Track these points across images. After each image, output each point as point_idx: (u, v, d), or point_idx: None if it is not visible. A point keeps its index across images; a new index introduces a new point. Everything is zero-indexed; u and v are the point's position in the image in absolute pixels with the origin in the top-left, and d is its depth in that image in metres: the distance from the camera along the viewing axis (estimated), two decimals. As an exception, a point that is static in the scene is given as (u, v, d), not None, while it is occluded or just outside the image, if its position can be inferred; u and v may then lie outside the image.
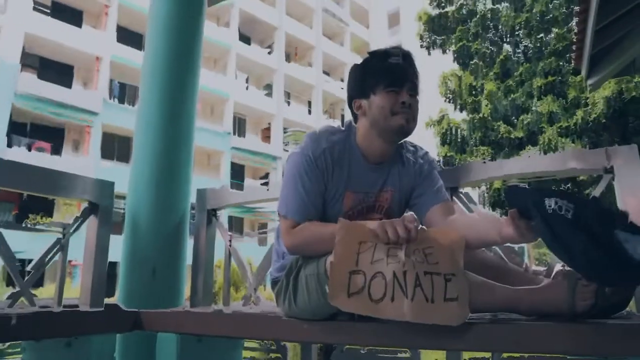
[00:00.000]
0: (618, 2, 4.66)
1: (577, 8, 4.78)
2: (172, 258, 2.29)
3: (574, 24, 5.26)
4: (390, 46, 1.46)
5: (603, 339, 1.00)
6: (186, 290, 2.38)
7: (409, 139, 1.50)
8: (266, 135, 27.32)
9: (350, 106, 1.50)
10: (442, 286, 1.14)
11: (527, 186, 1.18)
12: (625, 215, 1.01)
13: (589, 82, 5.85)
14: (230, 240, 2.41)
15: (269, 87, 27.82)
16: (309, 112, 29.75)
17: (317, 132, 1.48)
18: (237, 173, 25.23)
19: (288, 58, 29.47)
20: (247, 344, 2.14)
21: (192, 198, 2.46)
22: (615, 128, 7.95)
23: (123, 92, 20.67)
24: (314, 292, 1.32)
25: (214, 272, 2.49)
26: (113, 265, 3.00)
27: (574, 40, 5.37)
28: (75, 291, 3.06)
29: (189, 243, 2.39)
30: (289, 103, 28.96)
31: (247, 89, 26.26)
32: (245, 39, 27.11)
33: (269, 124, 27.29)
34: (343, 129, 1.50)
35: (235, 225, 24.83)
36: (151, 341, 1.60)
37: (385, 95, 1.38)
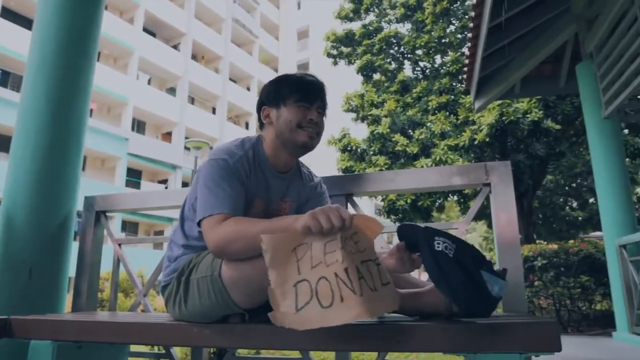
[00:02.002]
0: (503, 33, 5.18)
1: (469, 35, 5.21)
2: (52, 261, 2.11)
3: (466, 49, 5.72)
4: (307, 73, 1.51)
5: (473, 336, 1.08)
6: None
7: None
8: (166, 140, 26.10)
9: (258, 112, 1.51)
10: (377, 272, 1.13)
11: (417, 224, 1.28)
12: (488, 260, 1.19)
13: (477, 103, 6.40)
14: (120, 245, 2.28)
15: (172, 91, 26.61)
16: (214, 120, 28.83)
17: (228, 143, 1.47)
18: (135, 174, 23.87)
19: (195, 58, 28.48)
20: (134, 349, 2.03)
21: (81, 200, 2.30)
22: (497, 146, 8.74)
23: (5, 81, 18.64)
24: (206, 294, 1.29)
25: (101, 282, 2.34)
26: None
27: (466, 63, 5.85)
28: None
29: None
30: (192, 105, 27.93)
31: (148, 91, 24.78)
32: (149, 32, 25.72)
33: (171, 132, 26.13)
34: (250, 139, 1.51)
35: (130, 230, 23.48)
36: (23, 350, 1.45)
37: (295, 109, 1.42)
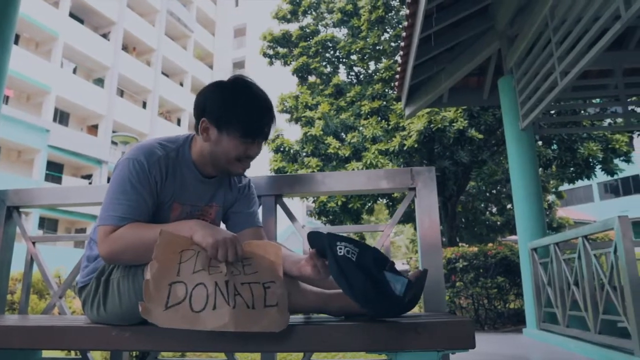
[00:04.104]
0: (433, 45, 5.40)
1: (402, 44, 5.39)
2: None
3: (398, 57, 5.92)
4: (262, 96, 1.37)
5: (394, 335, 1.12)
6: None
7: None
8: (92, 133, 24.76)
9: (197, 119, 1.38)
10: (261, 294, 1.16)
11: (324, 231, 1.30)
12: (390, 260, 1.23)
13: (407, 110, 6.63)
14: (34, 243, 2.14)
15: (99, 82, 25.28)
16: (144, 115, 27.69)
17: (151, 140, 1.40)
18: (56, 168, 22.42)
19: (125, 49, 27.23)
20: (47, 354, 1.91)
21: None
22: (425, 152, 9.09)
23: None
24: (126, 294, 1.25)
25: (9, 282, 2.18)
26: None
27: (398, 71, 6.05)
28: None
29: None
30: (121, 97, 26.67)
31: (74, 81, 23.35)
32: (76, 19, 24.27)
33: (97, 125, 24.82)
34: (177, 139, 1.45)
35: (49, 227, 22.03)
36: None
37: (238, 143, 1.34)
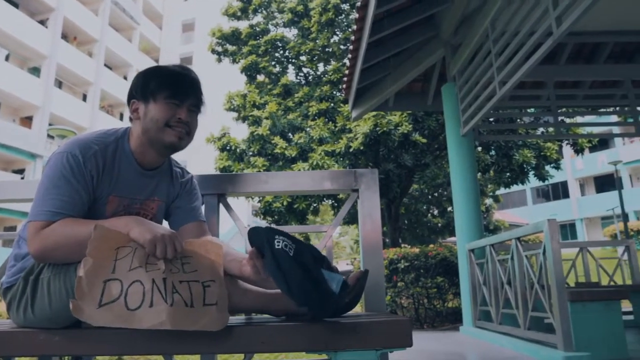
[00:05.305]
0: (381, 49, 5.52)
1: (351, 47, 5.46)
2: None
3: (347, 60, 5.99)
4: (184, 66, 1.42)
5: (333, 335, 1.13)
6: None
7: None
8: (26, 125, 23.31)
9: (129, 105, 1.41)
10: (200, 292, 1.14)
11: (265, 225, 1.31)
12: (327, 259, 1.24)
13: (354, 112, 6.73)
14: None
15: (35, 71, 23.85)
16: (84, 108, 26.42)
17: (87, 134, 1.35)
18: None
19: (65, 38, 25.85)
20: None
21: None
22: (371, 154, 9.25)
23: None
24: (57, 294, 1.20)
25: None
26: None
27: (346, 74, 6.13)
28: None
29: None
30: (59, 89, 25.31)
31: (6, 68, 21.87)
32: (10, 2, 22.79)
33: (32, 116, 23.43)
34: (116, 131, 1.41)
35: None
36: None
37: (164, 106, 1.33)
